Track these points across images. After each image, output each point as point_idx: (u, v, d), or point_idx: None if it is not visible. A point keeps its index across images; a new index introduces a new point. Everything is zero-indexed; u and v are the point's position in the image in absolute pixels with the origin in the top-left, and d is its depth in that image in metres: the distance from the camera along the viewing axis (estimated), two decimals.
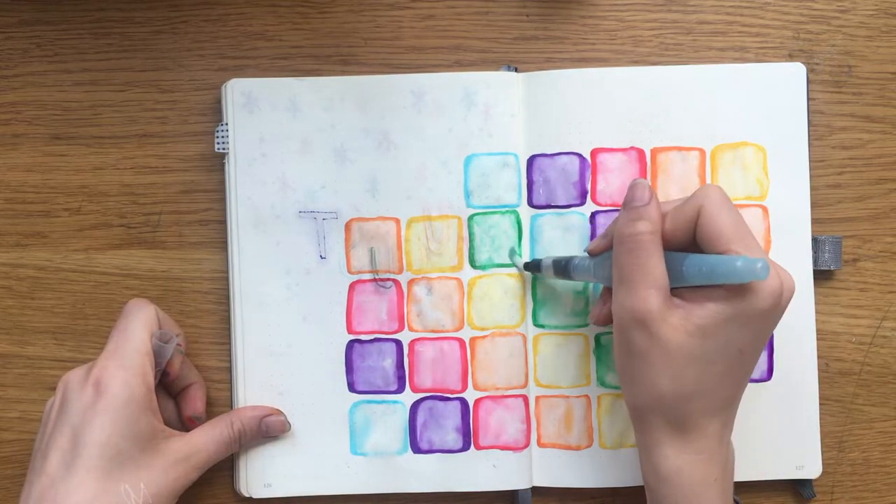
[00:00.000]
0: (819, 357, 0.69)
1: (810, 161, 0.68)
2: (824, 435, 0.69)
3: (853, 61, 0.69)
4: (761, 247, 0.56)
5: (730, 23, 0.69)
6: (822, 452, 0.69)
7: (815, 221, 0.68)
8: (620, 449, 0.69)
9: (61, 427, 0.60)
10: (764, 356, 0.68)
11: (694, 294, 0.56)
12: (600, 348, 0.69)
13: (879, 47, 0.69)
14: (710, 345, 0.55)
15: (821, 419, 0.69)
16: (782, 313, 0.57)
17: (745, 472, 0.68)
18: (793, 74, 0.68)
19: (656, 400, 0.58)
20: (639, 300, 0.56)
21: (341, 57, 0.69)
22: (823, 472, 0.69)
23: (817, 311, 0.68)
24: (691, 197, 0.58)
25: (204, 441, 0.65)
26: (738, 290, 0.54)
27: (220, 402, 0.70)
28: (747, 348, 0.56)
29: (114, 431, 0.60)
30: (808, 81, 0.68)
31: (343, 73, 0.69)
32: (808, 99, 0.68)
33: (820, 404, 0.69)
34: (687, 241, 0.58)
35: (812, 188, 0.68)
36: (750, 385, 0.68)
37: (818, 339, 0.69)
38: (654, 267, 0.56)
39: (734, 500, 0.62)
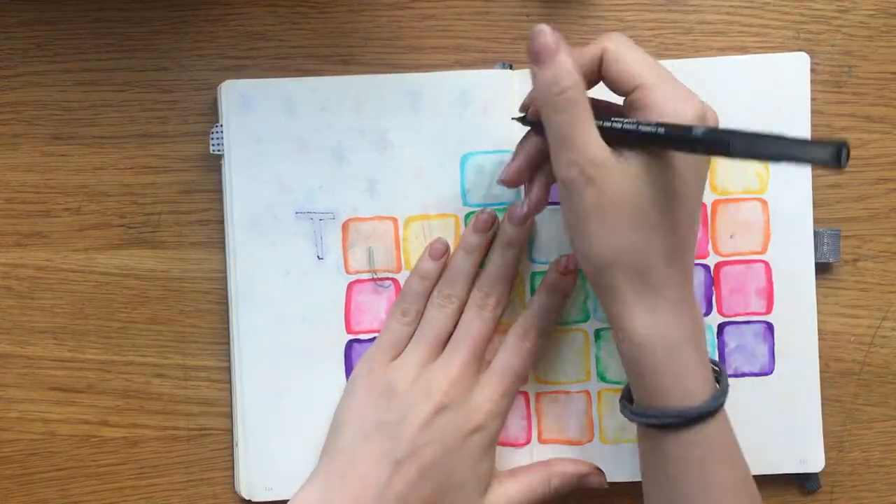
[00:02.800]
0: (819, 357, 0.68)
1: None
2: (824, 435, 0.69)
3: (853, 61, 0.69)
4: (675, 79, 0.56)
5: (730, 22, 0.69)
6: (823, 452, 0.69)
7: (814, 221, 0.68)
8: (621, 444, 0.69)
9: (430, 438, 0.63)
10: (765, 350, 0.69)
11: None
12: (600, 343, 0.69)
13: (879, 47, 0.69)
14: (656, 184, 0.55)
15: (821, 419, 0.69)
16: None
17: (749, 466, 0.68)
18: (795, 64, 0.68)
19: (617, 254, 0.56)
20: (582, 155, 0.55)
21: (341, 57, 0.69)
22: (823, 472, 0.69)
23: (817, 311, 0.68)
24: (592, 42, 0.57)
25: (518, 493, 0.66)
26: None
27: (220, 402, 0.70)
28: (689, 190, 0.56)
29: (468, 468, 0.64)
30: (813, 70, 0.68)
31: (343, 73, 0.69)
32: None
33: (820, 404, 0.68)
34: (590, 86, 0.58)
35: (812, 188, 0.68)
36: (752, 378, 0.69)
37: (818, 340, 0.68)
38: (587, 118, 0.55)
39: (713, 363, 0.61)
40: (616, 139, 0.55)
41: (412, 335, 0.67)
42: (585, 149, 0.55)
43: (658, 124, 0.54)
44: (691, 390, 0.58)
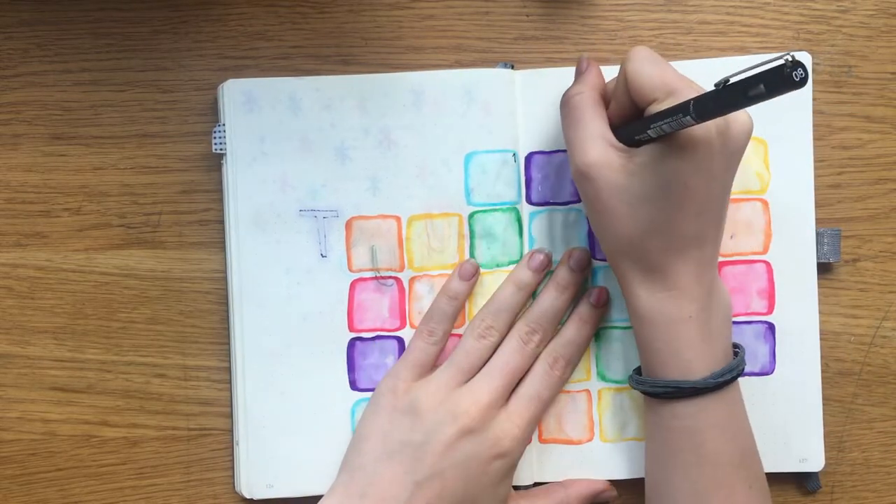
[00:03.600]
0: (819, 357, 0.69)
1: (814, 155, 0.68)
2: (824, 435, 0.69)
3: (853, 61, 0.69)
4: (691, 85, 0.58)
5: (730, 23, 0.69)
6: (823, 452, 0.69)
7: (815, 221, 0.68)
8: (621, 442, 0.69)
9: (453, 461, 0.63)
10: (766, 350, 0.69)
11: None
12: (600, 343, 0.69)
13: (879, 47, 0.69)
14: (654, 181, 0.58)
15: (821, 419, 0.69)
16: (735, 147, 0.59)
17: None
18: None
19: (617, 243, 0.61)
20: (579, 153, 0.61)
21: (341, 57, 0.69)
22: (823, 472, 0.69)
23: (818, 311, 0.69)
24: (621, 64, 0.61)
25: None
26: None
27: (220, 402, 0.70)
28: (693, 181, 0.58)
29: (488, 493, 0.64)
30: (813, 70, 0.68)
31: (343, 73, 0.69)
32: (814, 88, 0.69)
33: (820, 404, 0.69)
34: (634, 105, 0.61)
35: (812, 188, 0.68)
36: (752, 378, 0.69)
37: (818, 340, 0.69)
38: (589, 120, 0.61)
39: (734, 347, 0.64)
40: (632, 140, 0.60)
41: (438, 354, 0.68)
42: (583, 148, 0.60)
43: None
44: (690, 365, 0.61)
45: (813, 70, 0.68)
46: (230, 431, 0.70)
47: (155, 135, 0.69)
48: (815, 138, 0.69)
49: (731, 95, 0.50)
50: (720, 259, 0.68)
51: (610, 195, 0.59)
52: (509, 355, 0.66)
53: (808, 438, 0.69)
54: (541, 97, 0.68)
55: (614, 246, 0.62)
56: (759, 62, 0.49)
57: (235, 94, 0.68)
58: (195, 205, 0.69)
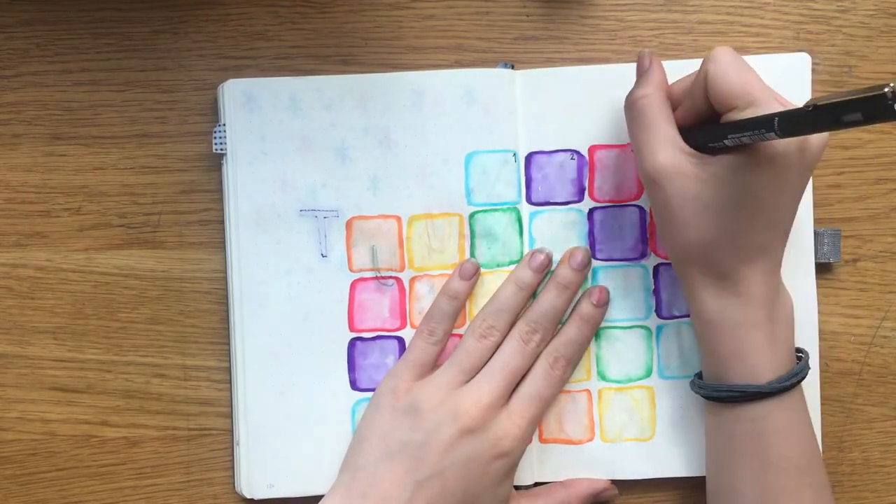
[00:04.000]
0: (819, 357, 0.69)
1: None
2: (825, 435, 0.69)
3: (853, 61, 0.69)
4: (775, 97, 0.58)
5: (730, 23, 0.69)
6: (822, 452, 0.69)
7: (814, 221, 0.68)
8: (621, 442, 0.69)
9: (453, 461, 0.63)
10: None
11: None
12: (600, 343, 0.69)
13: (879, 47, 0.69)
14: (727, 191, 0.58)
15: (821, 419, 0.69)
16: (812, 161, 0.59)
17: None
18: (797, 65, 0.68)
19: (685, 250, 0.61)
20: (649, 158, 0.60)
21: (341, 57, 0.69)
22: None
23: (817, 312, 0.69)
24: (703, 62, 0.60)
25: None
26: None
27: (220, 402, 0.70)
28: (767, 194, 0.58)
29: (489, 493, 0.64)
30: (813, 70, 0.68)
31: (343, 73, 0.69)
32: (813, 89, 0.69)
33: (820, 404, 0.69)
34: (710, 107, 0.60)
35: (812, 188, 0.68)
36: None
37: (818, 340, 0.69)
38: (657, 125, 0.60)
39: (797, 351, 0.64)
40: (704, 146, 0.60)
41: (439, 354, 0.67)
42: (653, 153, 0.60)
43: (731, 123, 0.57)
44: (756, 370, 0.61)
45: (813, 70, 0.68)
46: (230, 431, 0.70)
47: (155, 135, 0.69)
48: None
49: (822, 118, 0.49)
50: None
51: (680, 203, 0.59)
52: (510, 355, 0.66)
53: None
54: (541, 97, 0.68)
55: (681, 252, 0.62)
56: (856, 92, 0.48)
57: (235, 94, 0.68)
58: (195, 205, 0.69)
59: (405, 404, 0.65)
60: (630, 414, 0.69)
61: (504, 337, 0.67)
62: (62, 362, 0.69)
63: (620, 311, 0.69)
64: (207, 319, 0.70)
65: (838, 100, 0.48)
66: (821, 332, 0.69)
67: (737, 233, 0.59)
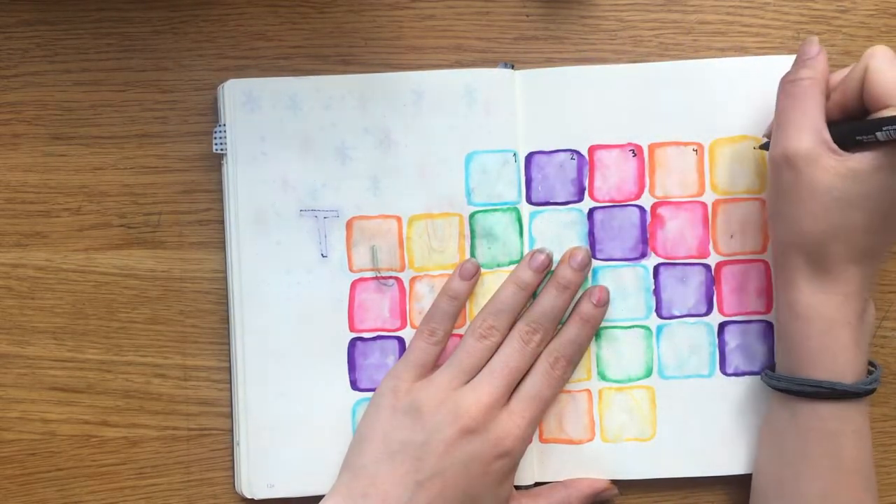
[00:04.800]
0: None
1: None
2: None
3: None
4: None
5: (730, 23, 0.69)
6: None
7: None
8: (622, 442, 0.69)
9: (454, 461, 0.63)
10: (766, 349, 0.69)
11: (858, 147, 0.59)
12: (601, 342, 0.69)
13: None
14: (860, 189, 0.58)
15: None
16: None
17: (748, 465, 0.69)
18: None
19: (798, 237, 0.61)
20: (791, 140, 0.60)
21: (341, 57, 0.69)
22: None
23: None
24: (860, 60, 0.60)
25: None
26: None
27: (220, 402, 0.70)
28: None
29: (490, 493, 0.64)
30: None
31: (343, 73, 0.69)
32: None
33: None
34: (859, 103, 0.60)
35: None
36: (752, 378, 0.69)
37: None
38: (810, 109, 0.60)
39: (870, 362, 0.64)
40: (850, 140, 0.59)
41: (439, 354, 0.67)
42: (797, 136, 0.60)
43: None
44: (841, 368, 0.61)
45: None
46: (230, 431, 0.70)
47: (155, 135, 0.69)
48: None
49: None
50: (720, 259, 0.68)
51: (810, 191, 0.59)
52: (510, 355, 0.66)
53: None
54: (541, 97, 0.68)
55: (792, 238, 0.62)
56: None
57: (236, 94, 0.68)
58: (195, 205, 0.69)
59: (406, 404, 0.65)
60: (630, 414, 0.69)
61: (504, 337, 0.67)
62: (62, 362, 0.69)
63: (620, 311, 0.69)
64: (207, 319, 0.70)
65: None
66: None
67: (856, 231, 0.59)
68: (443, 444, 0.63)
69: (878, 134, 0.57)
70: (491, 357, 0.66)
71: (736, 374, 0.69)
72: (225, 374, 0.70)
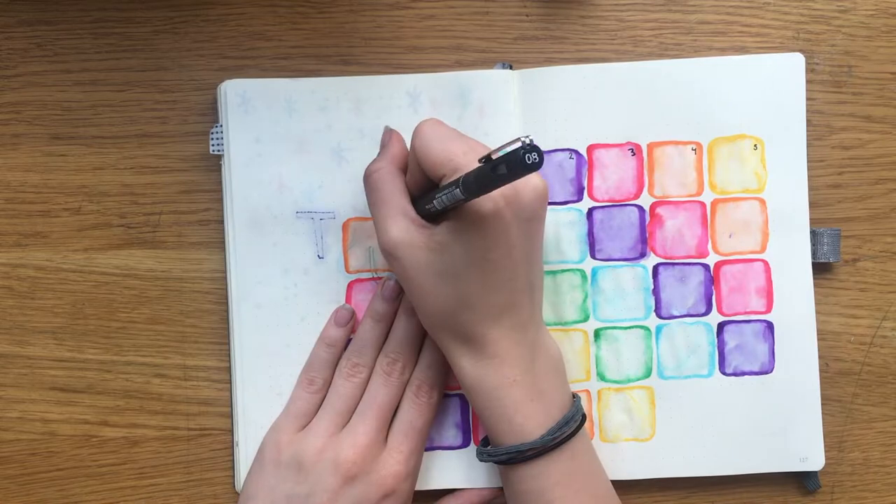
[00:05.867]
0: (819, 357, 0.69)
1: (809, 154, 0.68)
2: (824, 435, 0.69)
3: (853, 61, 0.69)
4: (476, 158, 0.56)
5: (730, 23, 0.69)
6: (823, 452, 0.69)
7: (814, 221, 0.68)
8: (621, 442, 0.69)
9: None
10: (765, 349, 0.69)
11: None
12: (600, 343, 0.69)
13: (879, 47, 0.69)
14: (455, 257, 0.58)
15: (821, 419, 0.69)
16: (529, 213, 0.59)
17: (748, 465, 0.69)
18: (791, 65, 0.68)
19: (432, 318, 0.62)
20: (383, 232, 0.60)
21: (341, 57, 0.69)
22: (823, 472, 0.69)
23: (817, 311, 0.68)
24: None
25: None
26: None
27: (220, 402, 0.70)
28: (495, 255, 0.58)
29: None
30: (807, 72, 0.68)
31: (343, 73, 0.69)
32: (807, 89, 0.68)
33: (820, 404, 0.68)
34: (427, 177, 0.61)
35: (812, 188, 0.68)
36: (752, 377, 0.69)
37: (818, 339, 0.69)
38: (390, 196, 0.61)
39: (572, 395, 0.64)
40: (424, 212, 0.60)
41: (320, 403, 0.67)
42: (386, 227, 0.60)
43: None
44: (524, 429, 0.61)
45: (812, 70, 0.68)
46: (230, 431, 0.70)
47: (155, 135, 0.69)
48: (815, 138, 0.69)
49: (486, 175, 0.50)
50: (719, 258, 0.68)
51: (416, 273, 0.60)
52: (377, 391, 0.66)
53: (808, 437, 0.69)
54: (539, 96, 0.68)
55: (430, 320, 0.62)
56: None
57: (232, 94, 0.68)
58: (195, 205, 0.69)
59: (288, 457, 0.65)
60: (629, 414, 0.69)
61: (371, 371, 0.67)
62: (62, 362, 0.69)
63: (619, 312, 0.69)
64: (207, 319, 0.70)
65: (497, 154, 0.49)
66: (821, 332, 0.69)
67: (474, 295, 0.59)
68: (326, 494, 0.63)
69: (435, 202, 0.57)
70: (363, 394, 0.66)
71: (735, 374, 0.69)
72: (225, 374, 0.70)
